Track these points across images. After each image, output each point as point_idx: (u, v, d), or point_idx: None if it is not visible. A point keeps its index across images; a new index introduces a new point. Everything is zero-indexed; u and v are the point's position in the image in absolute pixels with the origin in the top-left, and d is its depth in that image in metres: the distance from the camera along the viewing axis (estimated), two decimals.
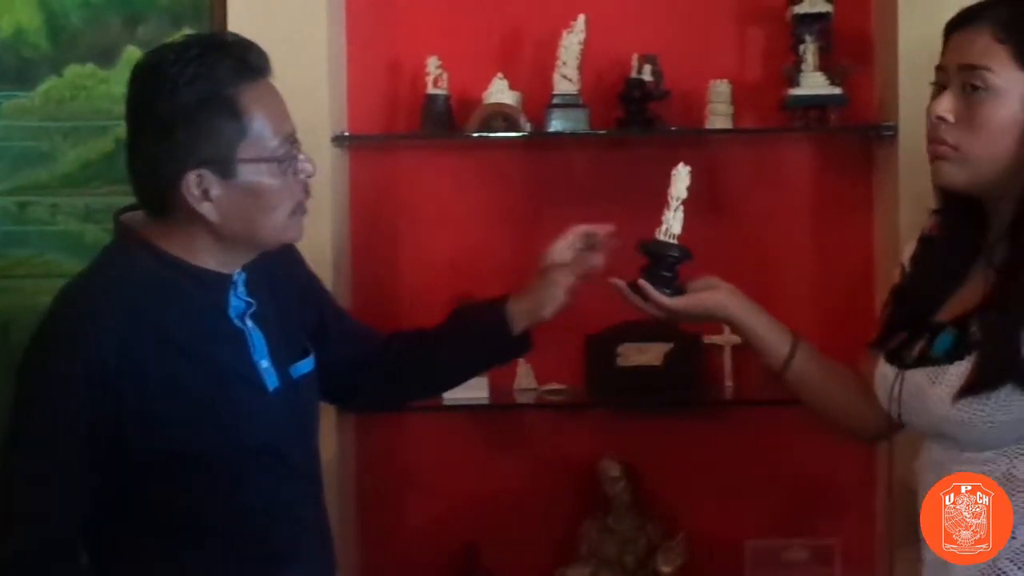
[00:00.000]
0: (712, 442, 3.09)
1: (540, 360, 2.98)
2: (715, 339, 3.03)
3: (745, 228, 3.07)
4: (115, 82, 2.98)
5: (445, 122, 2.98)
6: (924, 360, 1.84)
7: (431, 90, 2.99)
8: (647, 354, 3.01)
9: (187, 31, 2.96)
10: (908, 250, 2.01)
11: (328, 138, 2.88)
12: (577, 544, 3.06)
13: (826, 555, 3.05)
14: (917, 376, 1.85)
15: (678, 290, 2.09)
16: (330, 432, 2.86)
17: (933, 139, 1.86)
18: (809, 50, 2.92)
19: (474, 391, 2.90)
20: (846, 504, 3.10)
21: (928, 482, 1.83)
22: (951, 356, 1.79)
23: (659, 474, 3.09)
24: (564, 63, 2.93)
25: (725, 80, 2.96)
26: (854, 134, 3.02)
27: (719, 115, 2.95)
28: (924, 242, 1.97)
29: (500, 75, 2.97)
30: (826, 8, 2.93)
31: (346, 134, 3.00)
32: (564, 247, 2.19)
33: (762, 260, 3.05)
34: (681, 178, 1.98)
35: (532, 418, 3.10)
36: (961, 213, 1.90)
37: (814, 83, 2.92)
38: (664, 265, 2.08)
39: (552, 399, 3.02)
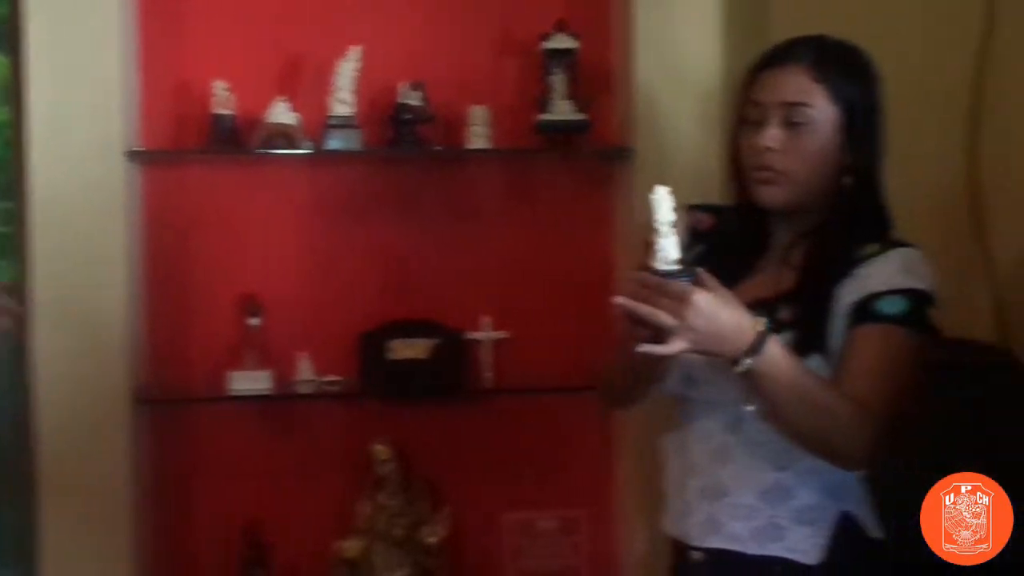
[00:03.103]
0: (473, 427, 3.28)
1: (318, 354, 3.18)
2: (476, 335, 3.23)
3: (500, 240, 3.25)
4: None
5: (231, 139, 3.10)
6: None
7: (218, 110, 3.10)
8: (415, 348, 3.18)
9: None
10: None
11: (121, 153, 3.02)
12: (353, 520, 3.20)
13: (573, 525, 3.26)
14: None
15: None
16: (125, 422, 3.02)
17: (759, 166, 1.98)
18: (557, 80, 3.11)
19: (258, 383, 3.06)
20: (591, 479, 3.30)
21: (696, 452, 2.01)
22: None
23: (426, 456, 3.24)
24: (340, 88, 3.09)
25: (483, 106, 3.15)
26: (597, 156, 3.22)
27: (478, 136, 3.15)
28: (699, 236, 2.07)
29: (281, 97, 3.12)
30: (572, 44, 3.12)
31: (138, 149, 3.11)
32: None
33: (515, 267, 3.24)
34: (663, 201, 1.77)
35: (312, 407, 3.22)
36: (753, 220, 2.04)
37: (562, 110, 3.11)
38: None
39: (329, 390, 3.16)
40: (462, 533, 3.22)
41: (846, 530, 1.98)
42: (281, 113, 3.07)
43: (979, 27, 2.69)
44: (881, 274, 1.93)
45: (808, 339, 1.91)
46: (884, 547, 1.99)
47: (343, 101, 3.08)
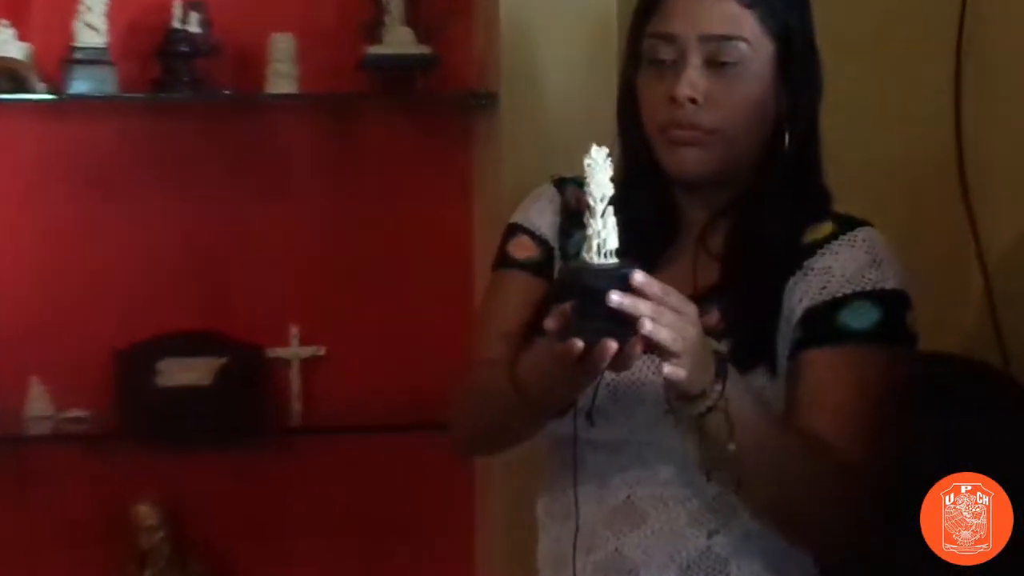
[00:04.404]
0: (275, 479, 3.05)
1: (57, 380, 2.95)
2: (280, 352, 2.99)
3: (314, 218, 3.06)
4: None
5: None
6: None
7: None
8: (194, 371, 2.94)
9: None
10: (535, 220, 2.01)
11: None
12: None
13: None
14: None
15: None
16: None
17: (673, 124, 1.88)
18: (393, 1, 2.91)
19: None
20: (439, 551, 3.11)
21: (592, 514, 1.88)
22: None
23: (209, 519, 3.04)
24: (88, 8, 2.84)
25: (289, 34, 2.91)
26: (448, 103, 3.02)
27: (281, 76, 2.89)
28: (576, 219, 1.93)
29: (5, 22, 2.85)
30: None
31: None
32: None
33: (333, 256, 3.05)
34: (600, 168, 1.66)
35: (48, 454, 3.01)
36: (658, 195, 1.95)
37: (399, 40, 2.90)
38: (603, 300, 1.65)
39: (73, 429, 2.95)
40: None
41: None
42: (5, 43, 2.81)
43: None
44: (842, 269, 1.86)
45: (750, 350, 1.83)
46: None
47: (92, 27, 2.83)
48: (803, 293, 1.86)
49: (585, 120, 2.65)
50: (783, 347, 1.85)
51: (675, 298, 1.62)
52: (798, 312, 1.85)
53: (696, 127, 1.88)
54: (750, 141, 1.89)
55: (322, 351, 3.04)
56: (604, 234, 1.64)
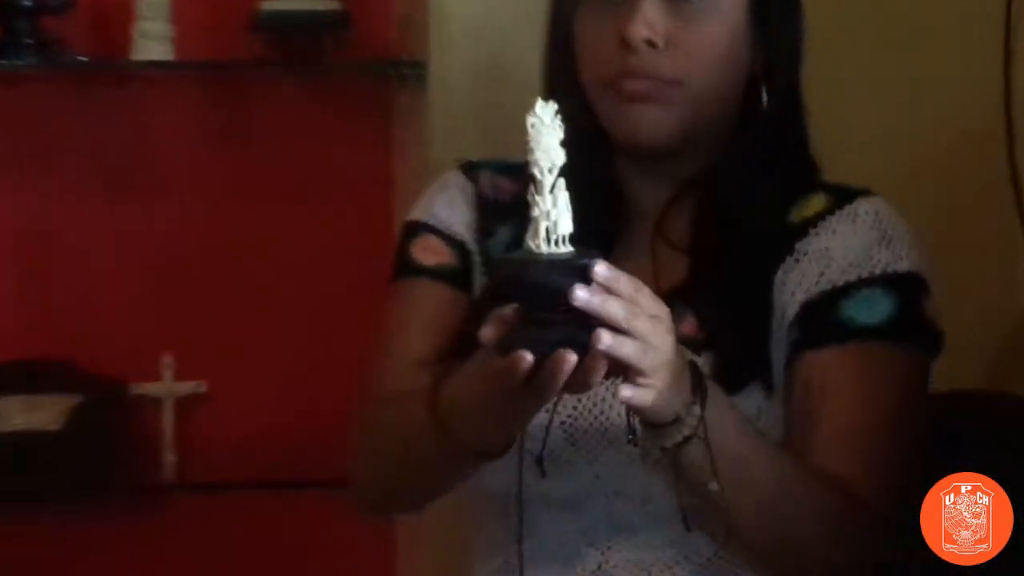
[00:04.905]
0: (144, 544, 2.79)
1: None
2: (149, 388, 2.73)
3: (194, 213, 2.79)
4: None
5: None
6: None
7: None
8: (40, 411, 2.70)
9: None
10: (444, 216, 1.87)
11: None
12: None
13: None
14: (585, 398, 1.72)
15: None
16: None
17: (628, 74, 1.74)
18: None
19: None
20: None
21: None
22: None
23: None
24: None
25: None
26: (363, 73, 2.78)
27: (153, 40, 2.64)
28: (497, 212, 1.86)
29: None
30: None
31: None
32: None
33: (216, 265, 2.79)
34: (547, 130, 1.51)
35: None
36: (599, 168, 1.82)
37: None
38: (557, 299, 1.49)
39: None
40: None
41: None
42: None
43: None
44: (843, 250, 1.77)
45: (738, 364, 1.71)
46: None
47: None
48: (796, 284, 1.74)
49: (533, 93, 2.12)
50: (778, 355, 1.74)
51: (647, 297, 1.48)
52: (792, 308, 1.74)
53: (654, 76, 1.72)
54: (719, 99, 1.77)
55: (203, 387, 2.78)
56: (555, 215, 1.46)
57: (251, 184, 2.79)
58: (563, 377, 1.41)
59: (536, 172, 1.44)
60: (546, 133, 1.46)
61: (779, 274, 1.76)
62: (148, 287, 2.79)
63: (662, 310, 1.49)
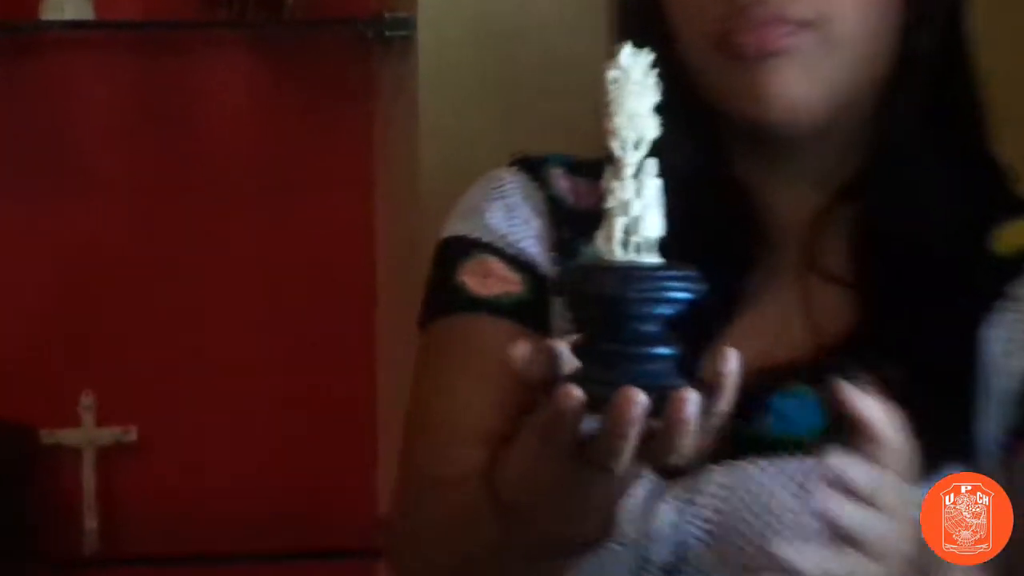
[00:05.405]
0: None
1: None
2: (65, 436, 2.47)
3: (121, 211, 2.51)
4: None
5: None
6: (747, 445, 1.41)
7: None
8: None
9: None
10: (506, 228, 1.53)
11: None
12: None
13: None
14: (737, 475, 1.40)
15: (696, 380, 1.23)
16: None
17: (746, 19, 1.41)
18: None
19: None
20: None
21: None
22: (821, 431, 1.39)
23: None
24: None
25: None
26: (334, 33, 2.52)
27: None
28: (577, 221, 1.53)
29: None
30: None
31: None
32: None
33: (157, 271, 2.51)
34: (635, 87, 1.21)
35: None
36: (713, 165, 1.52)
37: None
38: (645, 319, 1.19)
39: None
40: None
41: None
42: None
43: None
44: None
45: (933, 443, 1.32)
46: None
47: None
48: (1011, 342, 1.45)
49: (548, 57, 2.17)
50: (986, 429, 1.46)
51: (869, 405, 1.20)
52: (1008, 379, 1.44)
53: (783, 20, 1.41)
54: (872, 51, 1.47)
55: (131, 435, 2.48)
56: (637, 207, 1.15)
57: (191, 178, 2.51)
58: (629, 431, 1.09)
59: (616, 147, 1.13)
60: (634, 93, 1.16)
61: (985, 327, 1.46)
62: (62, 308, 2.54)
63: (905, 495, 1.26)
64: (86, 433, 2.45)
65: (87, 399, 2.46)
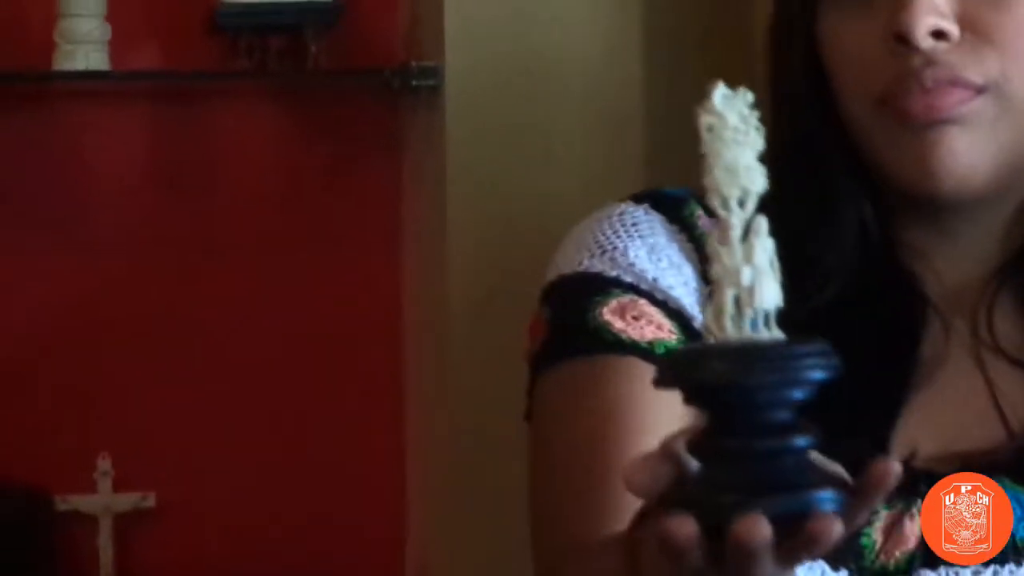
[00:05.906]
0: None
1: None
2: (81, 502, 2.43)
3: (140, 269, 2.46)
4: None
5: None
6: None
7: None
8: None
9: None
10: (651, 272, 1.42)
11: None
12: None
13: None
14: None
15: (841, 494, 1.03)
16: None
17: (917, 85, 1.33)
18: None
19: None
20: None
21: None
22: None
23: None
24: None
25: None
26: (360, 83, 2.49)
27: (85, 45, 2.38)
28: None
29: None
30: None
31: None
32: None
33: (177, 332, 2.47)
34: (734, 134, 1.08)
35: None
36: (874, 234, 1.43)
37: None
38: (773, 406, 1.03)
39: None
40: None
41: None
42: None
43: None
44: None
45: None
46: None
47: None
48: None
49: (578, 103, 2.13)
50: None
51: None
52: None
53: (957, 84, 1.34)
54: None
55: (149, 501, 2.45)
56: (749, 276, 1.00)
57: (211, 234, 2.49)
58: (753, 563, 0.95)
59: (717, 204, 0.99)
60: (733, 142, 1.01)
61: None
62: (78, 370, 2.49)
63: None
64: (102, 499, 2.44)
65: (104, 463, 2.44)
